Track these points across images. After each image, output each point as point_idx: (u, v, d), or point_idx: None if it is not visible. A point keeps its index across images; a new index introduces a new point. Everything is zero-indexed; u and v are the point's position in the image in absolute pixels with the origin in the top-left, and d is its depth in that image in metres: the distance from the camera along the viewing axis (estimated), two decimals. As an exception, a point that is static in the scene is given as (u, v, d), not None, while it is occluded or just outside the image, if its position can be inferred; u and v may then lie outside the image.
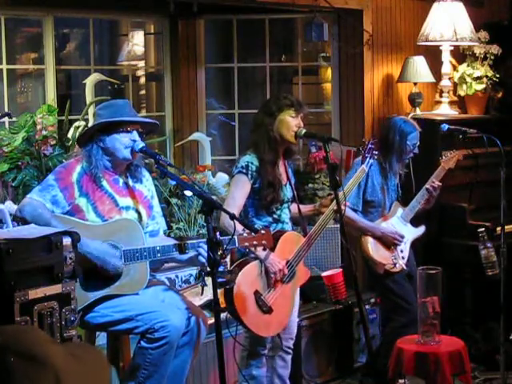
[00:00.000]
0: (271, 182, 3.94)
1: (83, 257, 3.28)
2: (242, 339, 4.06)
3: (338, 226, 4.95)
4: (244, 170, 3.92)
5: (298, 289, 4.15)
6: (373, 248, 4.66)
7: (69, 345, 2.80)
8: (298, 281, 4.03)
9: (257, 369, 4.07)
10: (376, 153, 4.32)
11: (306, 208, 4.24)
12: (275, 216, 4.02)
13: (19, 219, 3.47)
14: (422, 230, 4.85)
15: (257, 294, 3.83)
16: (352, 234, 4.52)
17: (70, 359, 2.17)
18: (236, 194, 3.93)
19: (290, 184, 4.11)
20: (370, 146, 4.29)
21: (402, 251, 4.71)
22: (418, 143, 4.73)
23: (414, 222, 4.82)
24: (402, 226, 4.75)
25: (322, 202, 4.19)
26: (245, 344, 4.06)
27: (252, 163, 3.93)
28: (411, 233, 4.79)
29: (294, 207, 4.15)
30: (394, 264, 4.67)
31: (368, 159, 4.27)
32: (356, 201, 4.62)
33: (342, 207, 3.82)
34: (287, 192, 4.06)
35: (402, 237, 4.69)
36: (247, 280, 3.81)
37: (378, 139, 4.58)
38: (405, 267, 4.69)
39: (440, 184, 4.76)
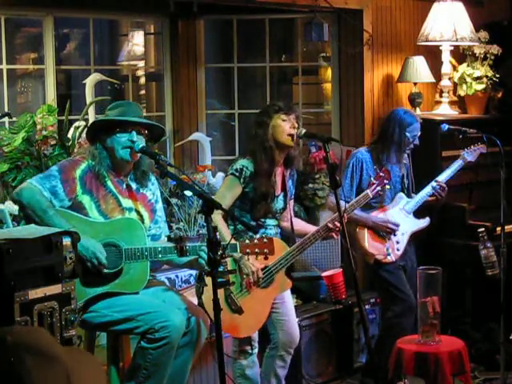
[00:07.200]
0: (264, 194, 3.95)
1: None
2: (230, 341, 4.08)
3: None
4: (237, 174, 3.94)
5: (289, 295, 4.15)
6: (366, 238, 4.66)
7: (69, 350, 2.80)
8: (276, 289, 3.99)
9: (249, 369, 4.08)
10: (387, 182, 4.32)
11: (308, 228, 4.20)
12: (259, 222, 4.01)
13: (15, 201, 3.46)
14: (425, 221, 4.82)
15: (227, 290, 3.82)
16: (350, 231, 4.52)
17: (73, 361, 2.19)
18: (226, 193, 3.95)
19: (285, 195, 4.11)
20: (381, 174, 4.31)
21: (397, 242, 4.70)
22: (419, 134, 4.71)
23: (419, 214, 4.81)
24: (402, 217, 4.72)
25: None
26: (234, 345, 4.07)
27: (247, 168, 3.95)
28: (412, 224, 4.77)
29: (297, 223, 4.20)
30: (386, 255, 4.66)
31: (375, 186, 4.28)
32: (349, 193, 4.59)
33: (343, 204, 3.83)
34: (278, 203, 4.07)
35: (397, 225, 4.66)
36: None
37: (378, 130, 4.57)
38: (394, 259, 4.68)
39: (444, 186, 4.75)
